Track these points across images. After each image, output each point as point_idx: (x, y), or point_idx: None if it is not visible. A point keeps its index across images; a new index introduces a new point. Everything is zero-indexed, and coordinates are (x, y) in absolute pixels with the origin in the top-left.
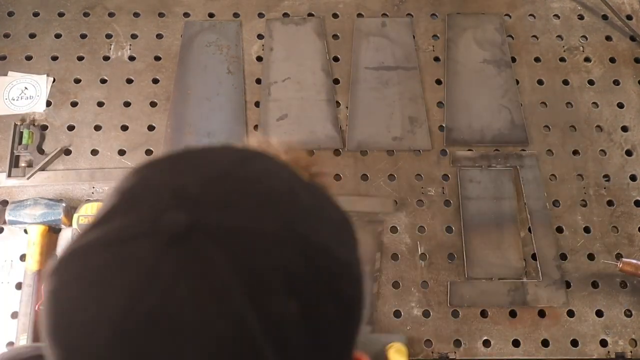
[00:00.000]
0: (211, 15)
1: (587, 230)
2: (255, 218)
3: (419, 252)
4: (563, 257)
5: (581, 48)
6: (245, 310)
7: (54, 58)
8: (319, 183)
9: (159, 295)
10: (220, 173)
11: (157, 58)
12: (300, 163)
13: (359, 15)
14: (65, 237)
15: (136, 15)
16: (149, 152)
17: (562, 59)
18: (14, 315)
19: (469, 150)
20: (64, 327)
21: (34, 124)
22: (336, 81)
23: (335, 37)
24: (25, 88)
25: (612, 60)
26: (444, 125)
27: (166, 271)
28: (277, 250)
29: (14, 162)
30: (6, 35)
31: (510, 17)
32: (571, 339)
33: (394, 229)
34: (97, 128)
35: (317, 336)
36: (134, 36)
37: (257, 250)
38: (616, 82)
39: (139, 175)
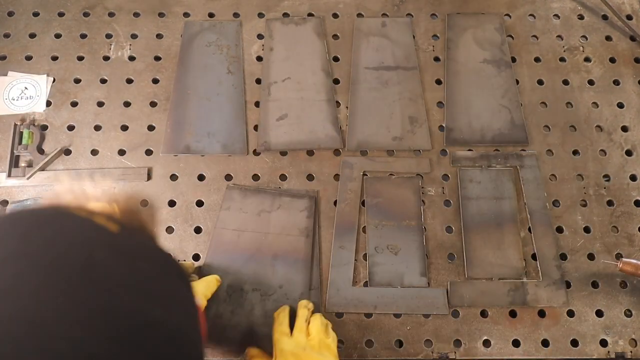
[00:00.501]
0: (211, 15)
1: (587, 230)
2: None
3: None
4: (563, 257)
5: (581, 48)
6: None
7: (54, 58)
8: (137, 226)
9: None
10: None
11: (157, 58)
12: (121, 209)
13: (359, 15)
14: None
15: (136, 15)
16: (148, 152)
17: (562, 59)
18: None
19: (469, 150)
20: None
21: (34, 124)
22: (336, 81)
23: (335, 37)
24: (25, 88)
25: (612, 60)
26: (444, 125)
27: None
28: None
29: (14, 162)
30: (6, 35)
31: (510, 17)
32: (571, 339)
33: None
34: (97, 128)
35: None
36: (134, 36)
37: None
38: (616, 82)
39: None
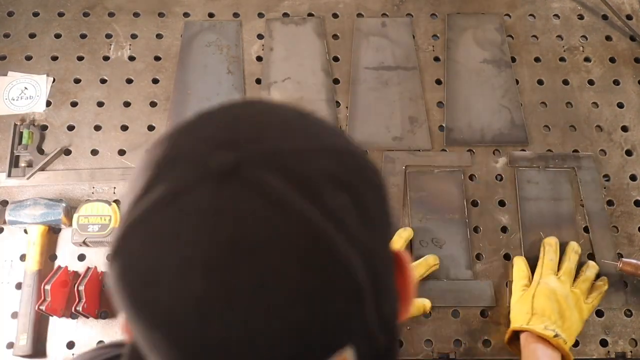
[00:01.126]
0: (211, 15)
1: (586, 230)
2: (289, 140)
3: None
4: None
5: (581, 48)
6: (308, 210)
7: (54, 58)
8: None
9: (231, 223)
10: (239, 115)
11: (157, 58)
12: None
13: (359, 15)
14: (65, 237)
15: (136, 15)
16: None
17: (562, 59)
18: (14, 315)
19: (522, 150)
20: (153, 293)
21: (33, 124)
22: (336, 81)
23: (335, 37)
24: (25, 88)
25: (612, 60)
26: (444, 125)
27: (229, 203)
28: (314, 160)
29: (14, 162)
30: (6, 35)
31: (510, 17)
32: None
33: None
34: (97, 128)
35: (366, 216)
36: (133, 36)
37: (299, 163)
38: (616, 82)
39: (168, 143)
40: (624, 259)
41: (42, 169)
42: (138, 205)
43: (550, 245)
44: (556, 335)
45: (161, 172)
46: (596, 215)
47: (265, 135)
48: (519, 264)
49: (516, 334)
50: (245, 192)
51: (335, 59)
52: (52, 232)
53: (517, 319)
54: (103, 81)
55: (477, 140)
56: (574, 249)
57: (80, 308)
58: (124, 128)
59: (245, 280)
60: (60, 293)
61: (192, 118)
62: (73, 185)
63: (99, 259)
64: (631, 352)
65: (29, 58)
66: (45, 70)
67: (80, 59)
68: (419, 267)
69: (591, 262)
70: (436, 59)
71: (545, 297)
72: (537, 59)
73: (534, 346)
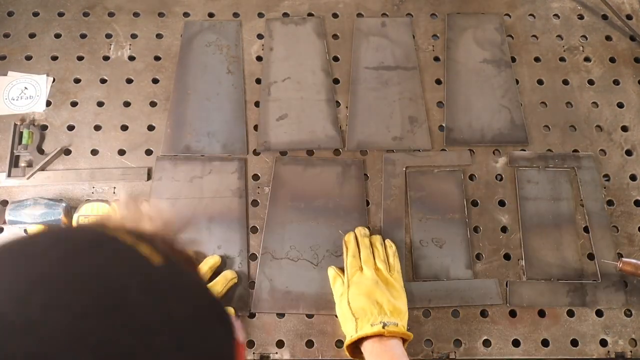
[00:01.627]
0: (211, 15)
1: (587, 230)
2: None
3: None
4: None
5: (581, 48)
6: None
7: (54, 58)
8: (184, 260)
9: None
10: (38, 277)
11: (157, 58)
12: (167, 232)
13: (359, 15)
14: None
15: (136, 15)
16: (148, 152)
17: (562, 59)
18: None
19: (522, 150)
20: None
21: (33, 124)
22: (336, 81)
23: (335, 37)
24: (25, 88)
25: (612, 60)
26: (444, 125)
27: None
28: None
29: (14, 162)
30: (6, 35)
31: (510, 16)
32: (571, 338)
33: None
34: (97, 128)
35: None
36: (133, 36)
37: None
38: (616, 82)
39: None
40: (624, 259)
41: (42, 168)
42: None
43: (349, 242)
44: (384, 325)
45: None
46: (596, 215)
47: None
48: (330, 273)
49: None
50: None
51: (335, 58)
52: None
53: (347, 331)
54: (103, 81)
55: (477, 140)
56: (364, 234)
57: None
58: (124, 128)
59: None
60: None
61: None
62: (73, 185)
63: None
64: (631, 352)
65: (29, 58)
66: (45, 70)
67: (80, 58)
68: (217, 285)
69: (386, 240)
70: (436, 58)
71: (358, 295)
72: (537, 59)
73: (371, 347)
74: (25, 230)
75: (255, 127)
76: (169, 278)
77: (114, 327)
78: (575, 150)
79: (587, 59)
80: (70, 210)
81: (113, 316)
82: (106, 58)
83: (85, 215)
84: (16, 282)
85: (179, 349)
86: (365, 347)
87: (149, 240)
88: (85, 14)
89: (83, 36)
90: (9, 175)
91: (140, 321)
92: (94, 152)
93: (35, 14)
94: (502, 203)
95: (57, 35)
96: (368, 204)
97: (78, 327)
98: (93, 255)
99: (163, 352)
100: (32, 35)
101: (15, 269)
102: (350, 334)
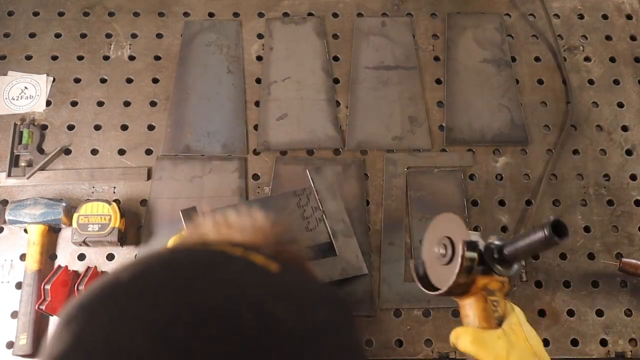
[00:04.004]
0: (211, 14)
1: (587, 229)
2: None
3: None
4: (563, 256)
5: (581, 48)
6: None
7: (54, 58)
8: (292, 259)
9: None
10: (162, 327)
11: (157, 58)
12: (270, 239)
13: (359, 14)
14: (65, 237)
15: (136, 14)
16: (148, 151)
17: (562, 59)
18: (14, 314)
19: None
20: None
21: (33, 124)
22: (336, 81)
23: (335, 36)
24: (25, 87)
25: (612, 59)
26: (443, 124)
27: None
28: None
29: (14, 161)
30: (6, 35)
31: (510, 16)
32: (571, 338)
33: None
34: (97, 128)
35: None
36: (133, 36)
37: None
38: (616, 82)
39: (71, 334)
40: (623, 259)
41: (42, 168)
42: None
43: None
44: None
45: None
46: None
47: None
48: None
49: None
50: None
51: (335, 58)
52: (52, 231)
53: None
54: (103, 81)
55: (477, 139)
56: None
57: None
58: (124, 127)
59: None
60: (60, 292)
61: (112, 293)
62: (73, 184)
63: (99, 258)
64: (631, 351)
65: (29, 58)
66: (45, 69)
67: (80, 58)
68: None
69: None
70: (436, 58)
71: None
72: (537, 59)
73: None
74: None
75: (255, 127)
76: (294, 283)
77: (266, 348)
78: (576, 150)
79: (587, 59)
80: (70, 210)
81: (262, 337)
82: (106, 58)
83: (85, 214)
84: (150, 320)
85: (331, 355)
86: None
87: (256, 249)
88: (85, 14)
89: (83, 36)
90: (9, 175)
91: (290, 332)
92: (94, 152)
93: (35, 14)
94: (502, 203)
95: (57, 35)
96: (368, 203)
97: (228, 354)
98: (214, 275)
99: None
100: (32, 35)
101: (144, 307)
102: None
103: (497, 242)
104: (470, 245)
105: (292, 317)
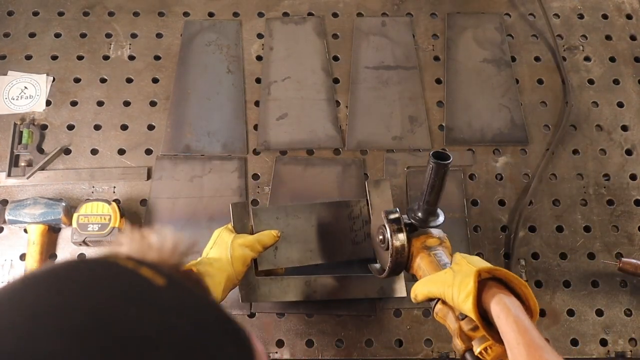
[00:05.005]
0: (211, 14)
1: (587, 229)
2: None
3: None
4: (563, 256)
5: (581, 47)
6: None
7: (54, 57)
8: (188, 279)
9: None
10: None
11: (157, 57)
12: (169, 256)
13: (359, 14)
14: (65, 237)
15: (136, 14)
16: (148, 151)
17: (562, 58)
18: None
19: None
20: None
21: (33, 124)
22: (336, 80)
23: (335, 36)
24: (25, 87)
25: (612, 59)
26: (443, 124)
27: None
28: None
29: (14, 161)
30: (6, 35)
31: (510, 16)
32: (571, 338)
33: None
34: (97, 127)
35: None
36: (133, 35)
37: None
38: (616, 82)
39: None
40: (623, 259)
41: (42, 168)
42: None
43: None
44: None
45: None
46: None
47: None
48: None
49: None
50: None
51: (335, 58)
52: (52, 231)
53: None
54: (103, 80)
55: (477, 139)
56: None
57: None
58: (124, 127)
59: None
60: None
61: None
62: (73, 184)
63: None
64: (631, 351)
65: (29, 57)
66: (45, 69)
67: (80, 58)
68: (264, 236)
69: None
70: (436, 58)
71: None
72: (537, 59)
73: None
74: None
75: (255, 127)
76: (171, 296)
77: (115, 340)
78: (576, 150)
79: (587, 59)
80: (70, 210)
81: (113, 330)
82: (106, 58)
83: (85, 214)
84: (17, 319)
85: None
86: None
87: (150, 265)
88: (85, 14)
89: (83, 36)
90: (9, 175)
91: (139, 335)
92: (94, 152)
93: (35, 14)
94: (502, 203)
95: (57, 35)
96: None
97: (76, 347)
98: (90, 279)
99: None
100: (32, 35)
101: (15, 308)
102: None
103: (413, 205)
104: (393, 218)
105: (147, 321)
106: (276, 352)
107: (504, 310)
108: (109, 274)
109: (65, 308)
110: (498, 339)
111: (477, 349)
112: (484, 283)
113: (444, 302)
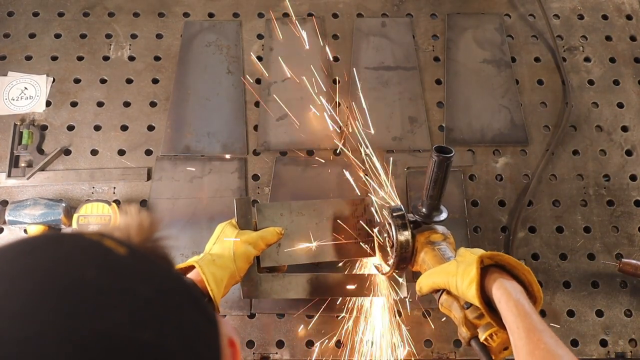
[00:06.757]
0: (211, 15)
1: (587, 230)
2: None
3: None
4: (563, 257)
5: (581, 48)
6: None
7: (54, 58)
8: (153, 252)
9: None
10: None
11: (157, 58)
12: (136, 232)
13: (359, 15)
14: None
15: (136, 15)
16: (148, 152)
17: (562, 59)
18: None
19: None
20: None
21: (33, 124)
22: (336, 81)
23: (335, 37)
24: (25, 88)
25: (612, 60)
26: (443, 125)
27: None
28: None
29: (14, 162)
30: (6, 35)
31: (510, 17)
32: (571, 338)
33: None
34: (97, 128)
35: None
36: (133, 36)
37: None
38: (616, 82)
39: None
40: (623, 259)
41: (42, 169)
42: None
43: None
44: None
45: None
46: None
47: None
48: None
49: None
50: None
51: (335, 59)
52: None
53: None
54: (103, 81)
55: (477, 140)
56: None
57: None
58: (124, 128)
59: None
60: None
61: None
62: (73, 185)
63: None
64: (631, 352)
65: (29, 58)
66: (45, 70)
67: (80, 59)
68: (268, 233)
69: None
70: (436, 59)
71: None
72: (537, 59)
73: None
74: (25, 231)
75: (255, 127)
76: (131, 264)
77: (71, 304)
78: (575, 151)
79: (587, 59)
80: (70, 210)
81: (71, 294)
82: (106, 58)
83: (85, 215)
84: None
85: (140, 325)
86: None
87: (114, 238)
88: (85, 14)
89: (83, 36)
90: (9, 175)
91: (98, 298)
92: (94, 152)
93: (35, 14)
94: (502, 203)
95: (57, 36)
96: None
97: (35, 307)
98: (52, 248)
99: (122, 327)
100: (32, 35)
101: None
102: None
103: (417, 203)
104: (398, 214)
105: (106, 285)
106: (276, 353)
107: (505, 294)
108: (74, 243)
109: (32, 270)
110: (502, 325)
111: (482, 335)
112: (487, 270)
113: (449, 293)
